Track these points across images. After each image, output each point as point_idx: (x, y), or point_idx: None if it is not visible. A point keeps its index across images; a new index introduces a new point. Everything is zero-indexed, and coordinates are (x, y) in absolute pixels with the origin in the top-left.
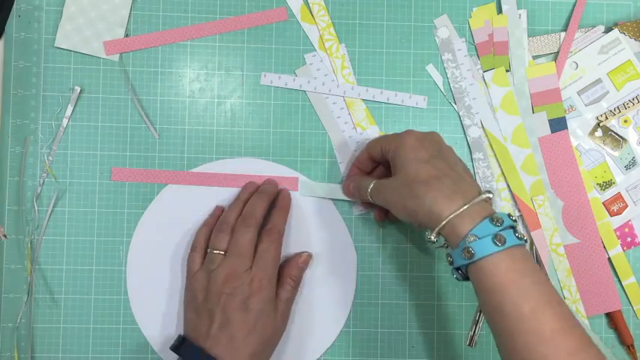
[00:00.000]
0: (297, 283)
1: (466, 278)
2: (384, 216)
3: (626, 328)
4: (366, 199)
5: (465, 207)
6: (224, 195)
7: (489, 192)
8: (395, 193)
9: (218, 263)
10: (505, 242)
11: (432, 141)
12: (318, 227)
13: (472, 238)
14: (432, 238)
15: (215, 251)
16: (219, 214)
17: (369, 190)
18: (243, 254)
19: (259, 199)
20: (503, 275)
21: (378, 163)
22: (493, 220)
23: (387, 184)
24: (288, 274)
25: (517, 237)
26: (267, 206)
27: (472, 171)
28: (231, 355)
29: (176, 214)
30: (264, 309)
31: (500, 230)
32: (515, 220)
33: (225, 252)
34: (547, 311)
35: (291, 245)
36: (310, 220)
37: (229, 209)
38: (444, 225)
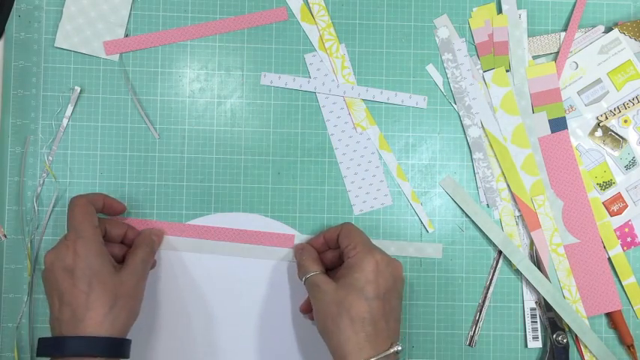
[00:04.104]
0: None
1: None
2: (309, 310)
3: (626, 328)
4: (300, 278)
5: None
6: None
7: (399, 346)
8: (323, 302)
9: None
10: None
11: (389, 277)
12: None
13: None
14: None
15: None
16: None
17: (306, 277)
18: None
19: None
20: None
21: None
22: None
23: (323, 286)
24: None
25: None
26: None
27: (472, 171)
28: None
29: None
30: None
31: None
32: None
33: None
34: None
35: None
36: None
37: None
38: None
